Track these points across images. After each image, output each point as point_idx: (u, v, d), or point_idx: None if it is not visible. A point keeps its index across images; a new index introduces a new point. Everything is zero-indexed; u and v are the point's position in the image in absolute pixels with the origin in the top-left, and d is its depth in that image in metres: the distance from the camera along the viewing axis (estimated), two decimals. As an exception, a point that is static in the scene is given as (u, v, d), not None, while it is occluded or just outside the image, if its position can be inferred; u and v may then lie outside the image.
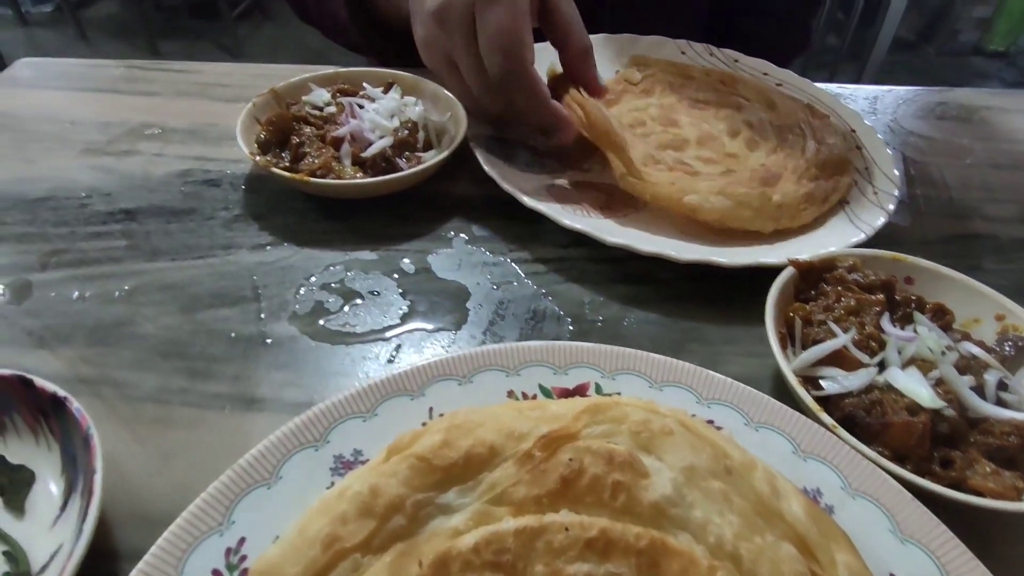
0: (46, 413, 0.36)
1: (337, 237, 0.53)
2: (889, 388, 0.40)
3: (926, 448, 0.38)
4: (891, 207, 0.56)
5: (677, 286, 0.51)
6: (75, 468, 0.34)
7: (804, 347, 0.43)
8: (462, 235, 0.55)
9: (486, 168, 0.56)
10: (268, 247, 0.52)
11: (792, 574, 0.29)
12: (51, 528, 0.34)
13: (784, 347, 0.43)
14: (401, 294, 0.49)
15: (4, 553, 0.32)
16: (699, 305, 0.50)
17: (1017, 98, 0.83)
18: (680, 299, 0.50)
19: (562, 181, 0.59)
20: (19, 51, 1.69)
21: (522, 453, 0.32)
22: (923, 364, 0.41)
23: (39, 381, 0.35)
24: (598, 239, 0.50)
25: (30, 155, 0.60)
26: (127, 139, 0.63)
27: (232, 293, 0.48)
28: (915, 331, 0.43)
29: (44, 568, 0.32)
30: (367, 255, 0.52)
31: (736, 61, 0.77)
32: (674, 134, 0.64)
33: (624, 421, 0.34)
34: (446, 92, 0.63)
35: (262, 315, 0.47)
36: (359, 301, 0.48)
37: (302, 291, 0.49)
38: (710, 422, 0.38)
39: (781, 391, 0.44)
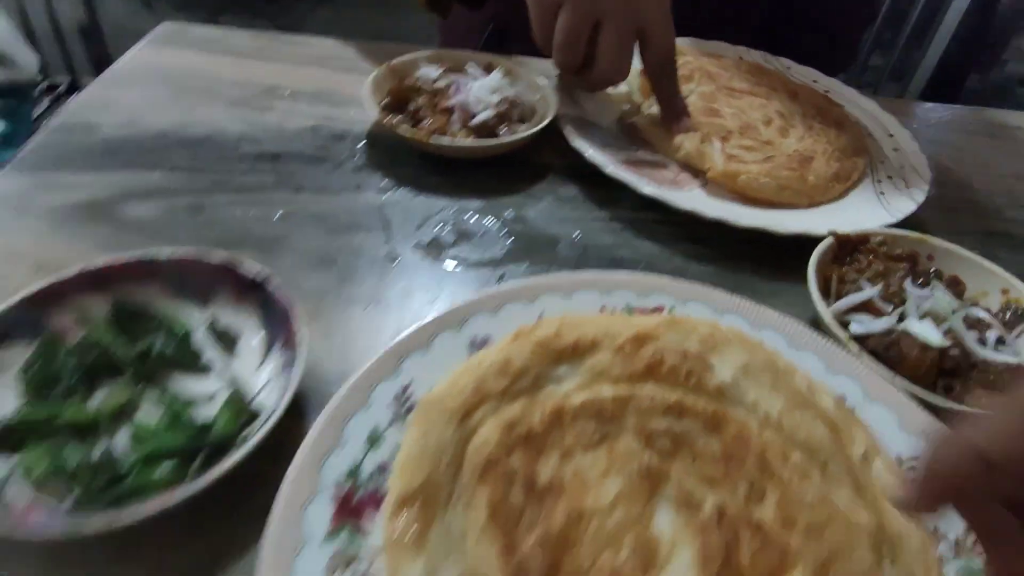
0: (248, 290, 0.46)
1: (447, 189, 0.64)
2: (906, 333, 0.49)
3: (933, 377, 0.47)
4: (920, 199, 0.65)
5: (732, 248, 0.60)
6: (272, 330, 0.45)
7: (839, 300, 0.52)
8: (550, 196, 0.65)
9: (572, 142, 0.66)
10: (391, 191, 0.63)
11: (822, 437, 0.39)
12: (256, 371, 0.44)
13: (823, 298, 0.52)
14: (503, 236, 0.59)
15: (229, 384, 0.43)
16: (750, 265, 0.59)
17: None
18: (734, 259, 0.60)
19: (635, 157, 0.69)
20: (80, 14, 1.81)
21: (616, 345, 0.42)
22: (937, 319, 0.51)
23: (244, 265, 0.46)
24: (669, 204, 0.60)
25: (186, 105, 0.71)
26: (263, 98, 0.74)
27: (365, 224, 0.59)
28: (932, 293, 0.52)
29: (255, 396, 0.42)
30: (474, 203, 0.62)
31: (788, 68, 0.87)
32: (719, 124, 0.74)
33: (694, 332, 0.44)
34: (538, 78, 0.73)
35: (390, 242, 0.57)
36: (469, 239, 0.59)
37: (422, 227, 0.59)
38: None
39: (816, 329, 0.53)
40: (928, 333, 0.49)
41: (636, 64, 0.72)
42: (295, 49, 0.83)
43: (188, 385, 0.43)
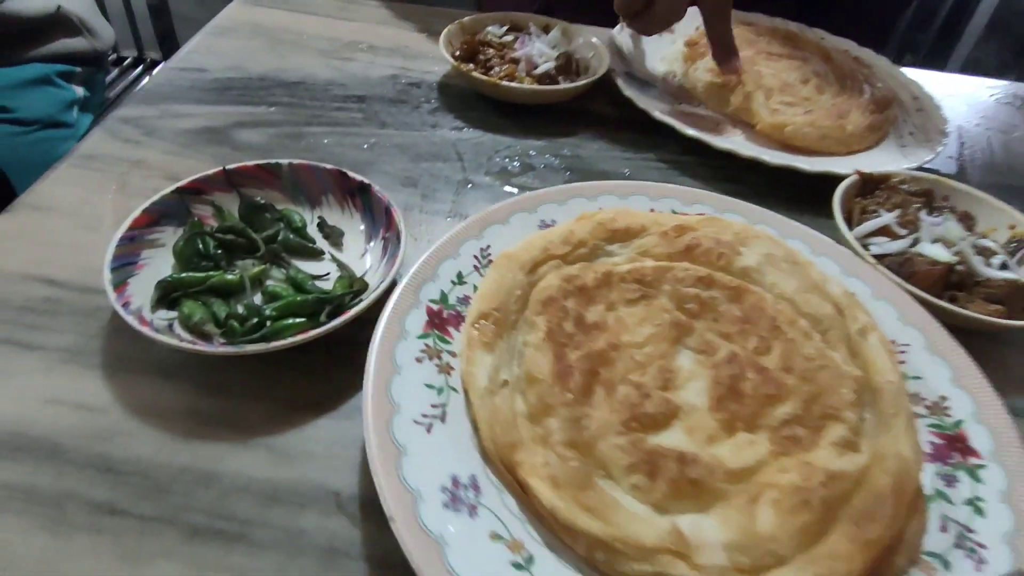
0: (352, 194, 0.55)
1: (513, 130, 0.72)
2: (918, 253, 0.56)
3: (940, 289, 0.54)
4: (939, 148, 0.71)
5: (765, 187, 0.68)
6: (372, 227, 0.54)
7: (859, 226, 0.60)
8: (603, 140, 0.73)
9: (625, 91, 0.74)
10: (463, 129, 0.71)
11: (828, 312, 0.46)
12: (359, 259, 0.53)
13: (848, 226, 0.59)
14: (562, 169, 0.67)
15: (340, 266, 0.52)
16: (781, 201, 0.66)
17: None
18: (767, 195, 0.67)
19: (679, 109, 0.76)
20: None
21: (661, 231, 0.51)
22: (947, 243, 0.57)
23: (350, 172, 0.55)
24: (710, 144, 0.67)
25: (280, 54, 0.80)
26: (346, 50, 0.83)
27: (442, 154, 0.67)
28: (944, 221, 0.59)
29: (363, 274, 0.51)
30: (536, 143, 0.71)
31: (823, 38, 0.93)
32: (761, 84, 0.81)
33: (729, 227, 0.52)
34: (591, 36, 0.81)
35: (464, 169, 0.66)
36: (532, 170, 0.67)
37: (492, 159, 0.67)
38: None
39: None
40: (938, 252, 0.56)
41: (680, 34, 0.79)
42: (370, 11, 0.92)
43: (305, 266, 0.52)
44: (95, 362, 0.44)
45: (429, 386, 0.41)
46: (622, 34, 0.86)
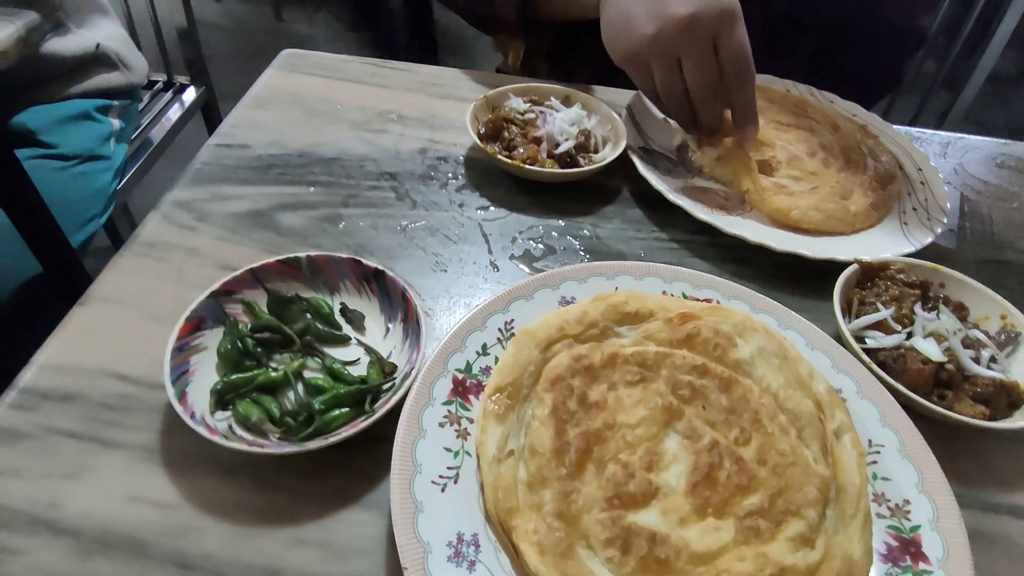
0: (368, 280, 0.61)
1: (534, 208, 0.77)
2: (912, 348, 0.61)
3: (930, 387, 0.59)
4: (938, 231, 0.75)
5: (771, 269, 0.72)
6: (391, 309, 0.60)
7: (857, 319, 0.64)
8: (619, 217, 0.78)
9: (642, 171, 0.78)
10: (488, 208, 0.76)
11: (807, 410, 0.51)
12: (383, 340, 0.60)
13: (844, 316, 0.64)
14: (582, 251, 0.72)
15: (367, 350, 0.58)
16: (784, 284, 0.71)
17: (1071, 156, 0.99)
18: (772, 278, 0.72)
19: (692, 183, 0.81)
20: (180, 18, 2.00)
21: (667, 317, 0.57)
22: (939, 338, 0.62)
23: (365, 260, 0.60)
24: (720, 228, 0.72)
25: (317, 126, 0.86)
26: (378, 121, 0.88)
27: (469, 237, 0.72)
28: (938, 316, 0.63)
29: (388, 356, 0.58)
30: (557, 222, 0.76)
31: (832, 103, 0.97)
32: (769, 156, 0.85)
33: (730, 318, 0.58)
34: (608, 109, 0.86)
35: (491, 253, 0.71)
36: (553, 253, 0.72)
37: (516, 240, 0.73)
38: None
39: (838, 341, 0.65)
40: (930, 350, 0.60)
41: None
42: (399, 76, 0.97)
43: (335, 353, 0.58)
44: (167, 460, 0.50)
45: (448, 449, 0.48)
46: (639, 102, 0.90)
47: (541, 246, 0.72)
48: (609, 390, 0.52)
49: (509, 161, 0.76)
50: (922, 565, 0.45)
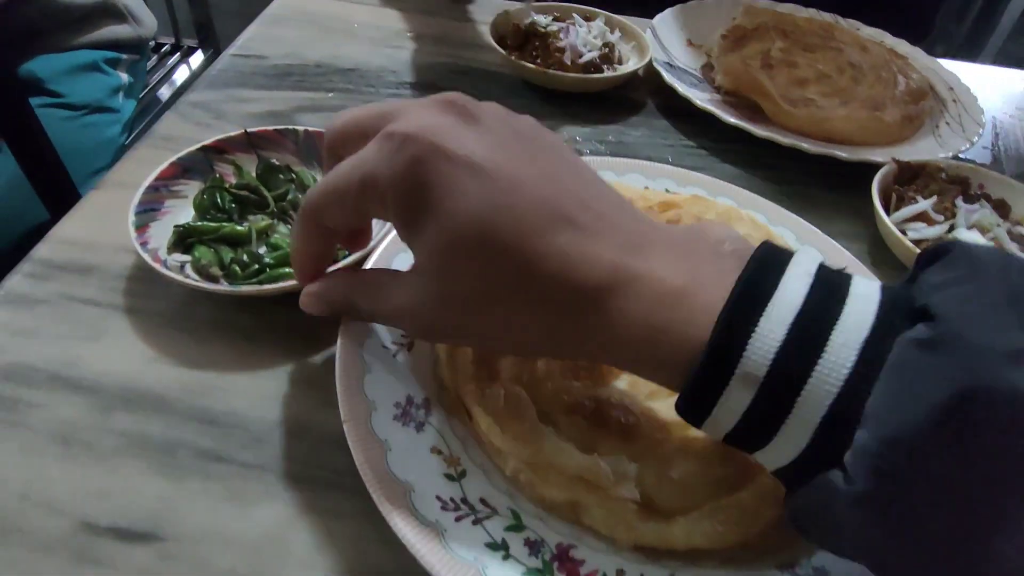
0: None
1: (559, 117, 0.75)
2: (955, 239, 0.59)
3: (975, 272, 0.57)
4: (974, 138, 0.73)
5: (803, 175, 0.70)
6: None
7: (897, 211, 0.62)
8: (645, 127, 0.76)
9: (667, 79, 0.76)
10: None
11: None
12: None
13: (886, 210, 0.61)
14: (608, 155, 0.70)
15: None
16: (819, 188, 0.69)
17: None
18: (805, 183, 0.70)
19: (717, 98, 0.79)
20: None
21: (647, 206, 0.54)
22: (983, 229, 0.60)
23: None
24: (750, 131, 0.70)
25: (334, 42, 0.84)
26: (395, 39, 0.86)
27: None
28: (980, 208, 0.61)
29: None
30: (581, 129, 0.74)
31: (858, 29, 0.95)
32: (796, 74, 0.82)
33: (713, 208, 0.55)
34: (632, 25, 0.84)
35: (515, 155, 0.69)
36: (580, 155, 0.70)
37: (540, 144, 0.70)
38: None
39: (876, 242, 0.63)
40: (974, 239, 0.58)
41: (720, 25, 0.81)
42: (415, 1, 0.95)
43: None
44: (188, 325, 0.48)
45: None
46: (663, 24, 0.88)
47: (567, 148, 0.70)
48: None
49: (533, 67, 0.74)
50: None
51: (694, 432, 0.40)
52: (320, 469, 0.41)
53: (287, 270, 0.51)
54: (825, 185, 0.69)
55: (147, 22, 1.61)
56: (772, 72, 0.83)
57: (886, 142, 0.75)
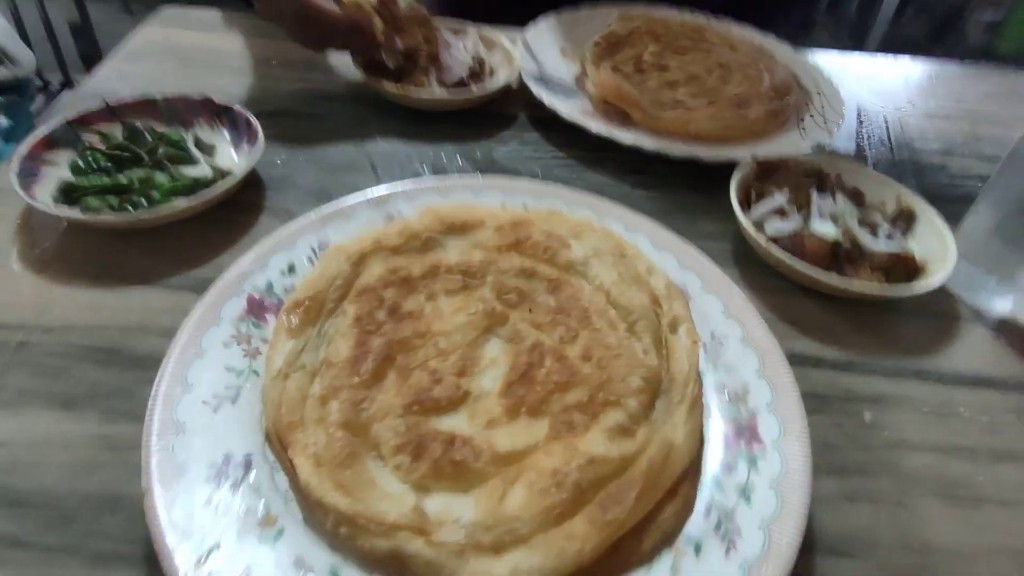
0: (219, 115, 0.66)
1: (426, 137, 0.73)
2: (811, 233, 0.59)
3: (829, 262, 0.57)
4: (834, 130, 0.75)
5: (670, 177, 0.70)
6: (239, 137, 0.65)
7: (755, 208, 0.63)
8: (515, 141, 0.75)
9: (535, 92, 0.75)
10: (376, 140, 0.72)
11: (641, 304, 0.48)
12: (231, 163, 0.64)
13: (744, 210, 0.62)
14: (475, 171, 0.69)
15: (213, 168, 0.62)
16: (685, 189, 0.69)
17: (961, 68, 1.01)
18: (672, 185, 0.70)
19: (588, 108, 0.79)
20: (72, 14, 1.89)
21: (498, 224, 0.53)
22: (837, 219, 0.61)
23: (215, 97, 0.66)
24: (616, 140, 0.70)
25: (192, 75, 0.80)
26: (260, 66, 0.83)
27: (356, 165, 0.68)
28: (834, 200, 0.62)
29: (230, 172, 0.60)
30: (449, 148, 0.72)
31: (729, 28, 0.97)
32: (667, 78, 0.83)
33: (566, 222, 0.54)
34: (503, 39, 0.83)
35: (378, 178, 0.67)
36: (445, 174, 0.68)
37: (405, 167, 0.69)
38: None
39: (739, 239, 0.64)
40: (827, 230, 0.59)
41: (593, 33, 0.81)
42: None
43: (187, 171, 0.62)
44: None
45: (230, 369, 0.43)
46: (536, 35, 0.88)
47: (431, 170, 0.69)
48: (427, 300, 0.48)
49: (396, 89, 0.72)
50: (756, 448, 0.42)
51: (531, 460, 0.39)
52: (132, 544, 0.38)
53: (175, 200, 0.56)
54: (691, 186, 0.70)
55: (24, 61, 1.53)
56: (644, 76, 0.84)
57: (751, 138, 0.76)
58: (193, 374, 0.41)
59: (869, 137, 0.83)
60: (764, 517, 0.38)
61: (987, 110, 0.92)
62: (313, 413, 0.40)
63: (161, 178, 0.60)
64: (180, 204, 0.54)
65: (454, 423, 0.41)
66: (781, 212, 0.61)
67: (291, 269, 0.50)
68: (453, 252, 0.52)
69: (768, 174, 0.67)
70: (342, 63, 0.84)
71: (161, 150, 0.62)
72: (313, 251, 0.52)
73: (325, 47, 0.78)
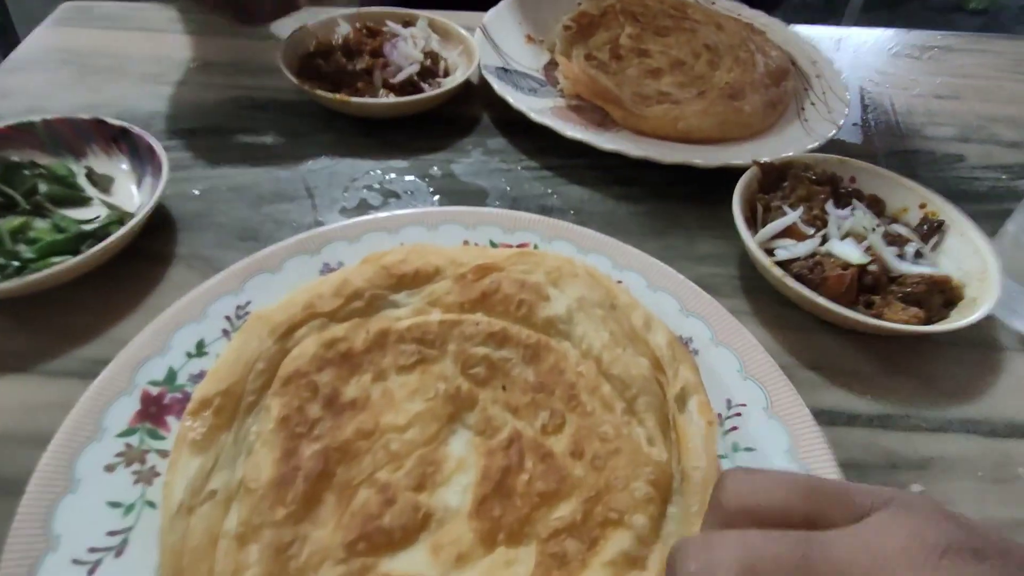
0: (116, 140, 0.54)
1: (373, 150, 0.62)
2: (828, 254, 0.50)
3: (854, 294, 0.49)
4: (840, 121, 0.66)
5: (661, 186, 0.61)
6: (142, 167, 0.54)
7: (763, 228, 0.53)
8: (478, 149, 0.64)
9: (498, 91, 0.65)
10: (315, 158, 0.61)
11: (639, 373, 0.39)
12: (136, 197, 0.53)
13: (749, 228, 0.52)
14: (431, 193, 0.59)
15: (109, 207, 0.51)
16: (679, 200, 0.60)
17: (962, 39, 0.93)
18: (663, 196, 0.60)
19: (561, 103, 0.68)
20: None
21: (458, 274, 0.43)
22: (857, 237, 0.52)
23: (108, 119, 0.54)
24: (595, 146, 0.60)
25: (93, 85, 0.68)
26: (176, 71, 0.71)
27: (289, 193, 0.57)
28: (853, 212, 0.53)
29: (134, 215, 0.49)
30: (400, 163, 0.61)
31: (713, 3, 0.86)
32: (648, 64, 0.73)
33: (542, 264, 0.44)
34: (458, 28, 0.72)
35: (315, 208, 0.56)
36: (396, 198, 0.58)
37: (348, 191, 0.58)
38: (619, 282, 0.46)
39: (745, 263, 0.54)
40: (849, 252, 0.50)
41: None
42: (208, 19, 0.80)
43: (76, 214, 0.51)
44: None
45: (115, 505, 0.33)
46: (496, 20, 0.77)
47: (380, 193, 0.58)
48: (374, 381, 0.38)
49: (331, 96, 0.61)
50: None
51: None
52: None
53: (54, 260, 0.45)
54: (686, 196, 0.60)
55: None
56: (622, 64, 0.73)
57: (749, 135, 0.66)
58: (61, 519, 0.31)
59: (876, 123, 0.74)
60: None
61: (998, 86, 0.83)
62: (228, 563, 0.31)
63: (41, 226, 0.49)
64: (61, 266, 0.43)
65: (412, 563, 0.32)
66: (793, 231, 0.52)
67: (200, 349, 0.40)
68: (405, 313, 0.42)
69: (774, 182, 0.57)
70: (274, 62, 0.72)
71: (43, 189, 0.51)
72: (229, 321, 0.41)
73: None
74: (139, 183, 0.54)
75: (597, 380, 0.39)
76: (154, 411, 0.36)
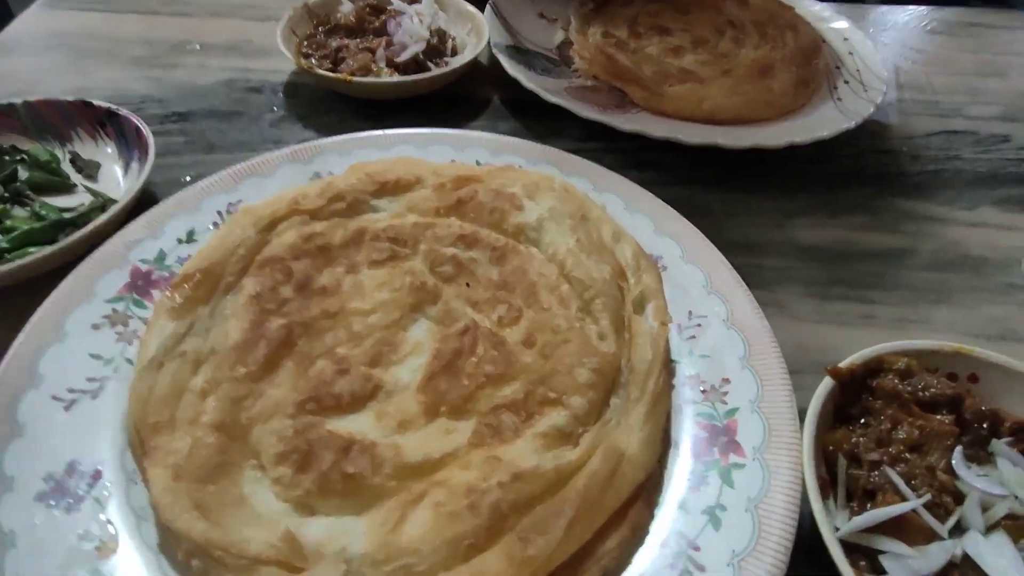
0: (103, 123, 0.51)
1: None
2: (968, 563, 0.30)
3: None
4: (879, 99, 0.61)
5: (684, 170, 0.57)
6: (128, 151, 0.50)
7: (849, 492, 0.33)
8: (489, 131, 0.60)
9: (509, 71, 0.61)
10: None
11: (600, 277, 0.39)
12: (122, 183, 0.50)
13: (826, 496, 0.32)
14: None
15: (93, 194, 0.48)
16: (703, 185, 0.56)
17: (1005, 16, 0.87)
18: (686, 181, 0.56)
19: (576, 83, 0.64)
20: None
21: (438, 183, 0.43)
22: (1012, 526, 0.31)
23: (96, 101, 0.51)
24: (614, 127, 0.56)
25: (84, 69, 0.65)
26: (170, 54, 0.68)
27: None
28: (997, 467, 0.34)
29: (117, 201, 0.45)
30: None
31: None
32: (669, 42, 0.69)
33: (521, 178, 0.44)
34: (466, 5, 0.68)
35: (315, 196, 0.52)
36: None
37: (349, 176, 0.54)
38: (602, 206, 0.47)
39: (817, 546, 0.31)
40: (1002, 567, 0.29)
41: None
42: (207, 0, 0.76)
43: (58, 202, 0.48)
44: None
45: (96, 356, 0.35)
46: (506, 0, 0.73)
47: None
48: (347, 273, 0.39)
49: (332, 76, 0.57)
50: (733, 458, 0.34)
51: (442, 475, 0.30)
52: None
53: (31, 250, 0.41)
54: (711, 181, 0.56)
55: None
56: (641, 42, 0.69)
57: (778, 115, 0.61)
58: (47, 363, 0.33)
59: (913, 104, 0.69)
60: (736, 549, 0.30)
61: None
62: (188, 412, 0.32)
63: (20, 214, 0.46)
64: (37, 255, 0.40)
65: (356, 425, 0.33)
66: (903, 521, 0.31)
67: (190, 236, 0.42)
68: (383, 217, 0.43)
69: (853, 390, 0.37)
70: (271, 45, 0.68)
71: (23, 176, 0.48)
72: (220, 215, 0.43)
73: None
74: (126, 168, 0.51)
75: (558, 281, 0.39)
76: (141, 284, 0.39)
